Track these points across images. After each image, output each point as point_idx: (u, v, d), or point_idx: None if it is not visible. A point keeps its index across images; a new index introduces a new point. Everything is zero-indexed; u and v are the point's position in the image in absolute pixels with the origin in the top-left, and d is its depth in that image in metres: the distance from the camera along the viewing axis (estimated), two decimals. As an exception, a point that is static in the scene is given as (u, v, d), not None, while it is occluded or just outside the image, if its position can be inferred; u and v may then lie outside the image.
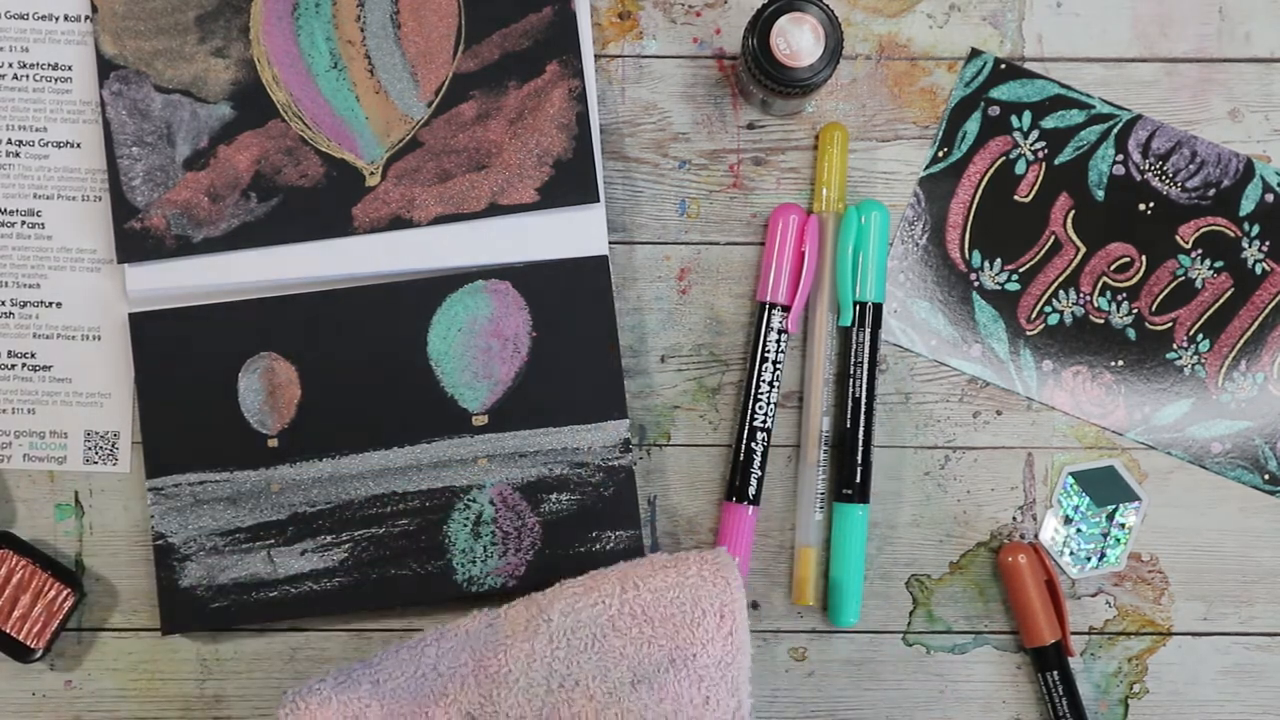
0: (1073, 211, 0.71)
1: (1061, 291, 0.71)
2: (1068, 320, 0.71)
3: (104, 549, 0.70)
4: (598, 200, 0.69)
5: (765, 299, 0.69)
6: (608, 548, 0.69)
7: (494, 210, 0.69)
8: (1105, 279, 0.71)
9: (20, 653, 0.68)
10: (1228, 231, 0.71)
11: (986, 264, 0.71)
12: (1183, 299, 0.71)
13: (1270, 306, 0.71)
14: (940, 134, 0.71)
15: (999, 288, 0.71)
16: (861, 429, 0.69)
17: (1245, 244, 0.71)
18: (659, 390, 0.71)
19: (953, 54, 0.71)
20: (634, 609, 0.64)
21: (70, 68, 0.70)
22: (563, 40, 0.69)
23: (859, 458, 0.69)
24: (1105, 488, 0.70)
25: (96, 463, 0.70)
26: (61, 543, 0.70)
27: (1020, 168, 0.71)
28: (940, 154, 0.71)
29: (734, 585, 0.64)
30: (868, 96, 0.71)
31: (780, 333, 0.69)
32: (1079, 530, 0.70)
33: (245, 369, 0.69)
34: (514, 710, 0.63)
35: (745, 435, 0.69)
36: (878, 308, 0.70)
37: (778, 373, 0.69)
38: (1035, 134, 0.71)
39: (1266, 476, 0.71)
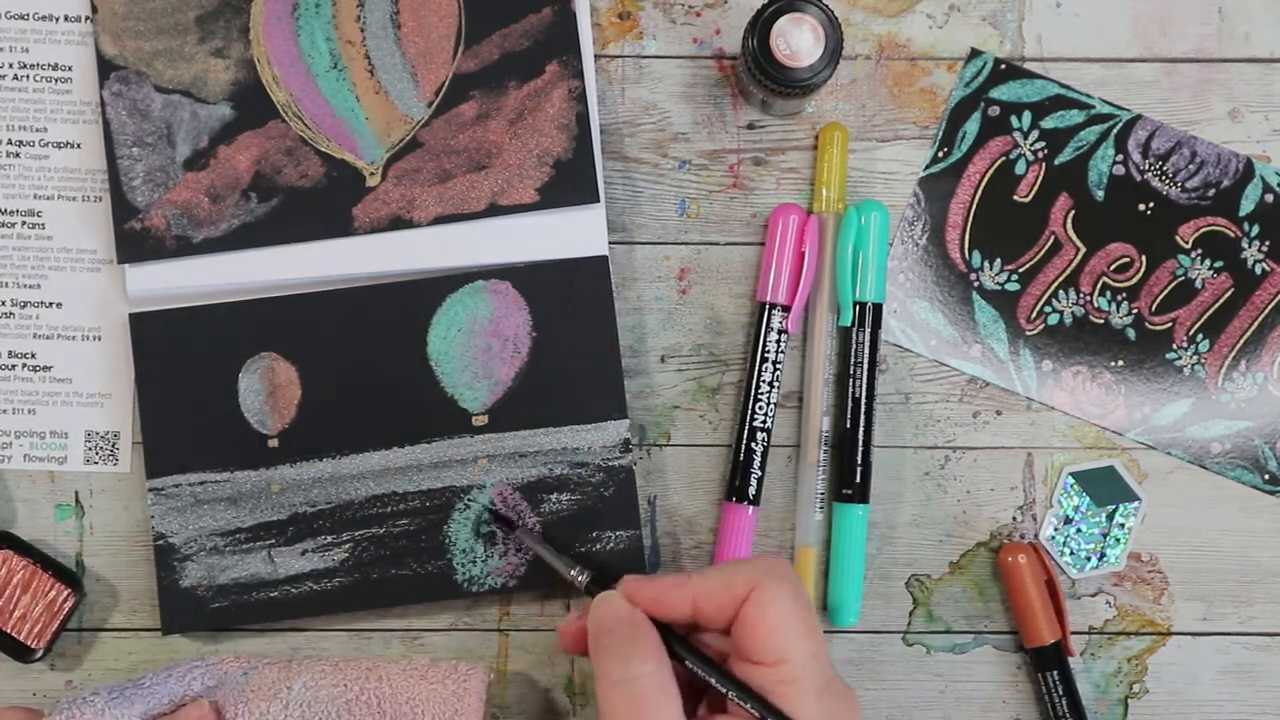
0: (1073, 211, 0.71)
1: (1061, 291, 0.71)
2: (1067, 320, 0.71)
3: (104, 549, 0.70)
4: (598, 200, 0.69)
5: (765, 299, 0.69)
6: (608, 548, 0.69)
7: (494, 210, 0.69)
8: (1105, 279, 0.71)
9: (20, 653, 0.68)
10: (1227, 231, 0.71)
11: (986, 264, 0.71)
12: (1182, 299, 0.71)
13: (1270, 306, 0.71)
14: (940, 134, 0.71)
15: (999, 288, 0.71)
16: (861, 429, 0.69)
17: (1245, 244, 0.71)
18: (659, 390, 0.71)
19: (952, 54, 0.71)
20: (371, 699, 0.66)
21: (70, 68, 0.70)
22: (563, 40, 0.69)
23: (859, 458, 0.69)
24: (1105, 488, 0.70)
25: (96, 463, 0.70)
26: (61, 543, 0.70)
27: (1020, 168, 0.71)
28: (940, 154, 0.71)
29: (471, 697, 0.65)
30: (867, 96, 0.71)
31: (780, 333, 0.69)
32: (1079, 530, 0.70)
33: (245, 369, 0.69)
34: None
35: (745, 435, 0.69)
36: (878, 308, 0.70)
37: (778, 373, 0.69)
38: (1035, 134, 0.71)
39: (1266, 476, 0.71)
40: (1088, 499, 0.70)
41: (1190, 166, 0.71)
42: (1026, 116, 0.71)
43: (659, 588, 0.57)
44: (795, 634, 0.55)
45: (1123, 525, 0.70)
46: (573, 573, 0.62)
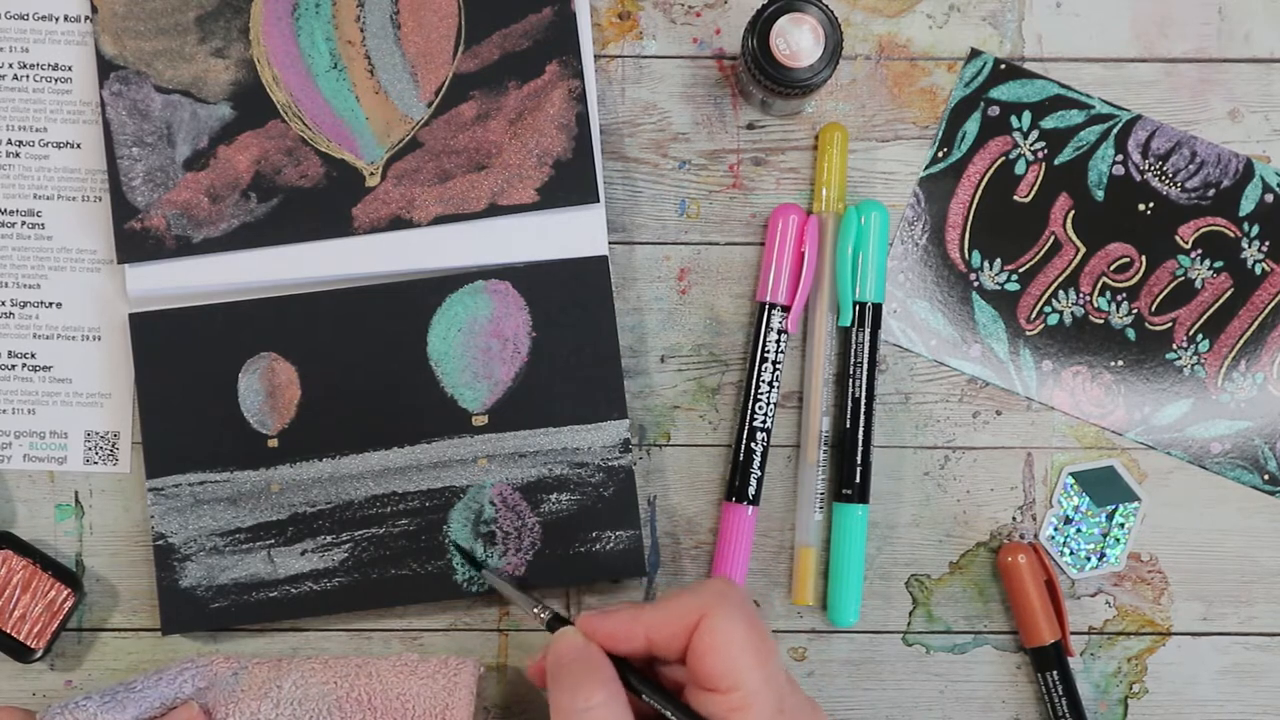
0: (1072, 211, 0.71)
1: (1061, 291, 0.71)
2: (1067, 320, 0.71)
3: (104, 549, 0.70)
4: (598, 200, 0.69)
5: (765, 299, 0.69)
6: (607, 548, 0.69)
7: (494, 210, 0.69)
8: (1105, 279, 0.71)
9: (20, 653, 0.68)
10: (1227, 231, 0.71)
11: (986, 264, 0.71)
12: (1182, 299, 0.71)
13: (1270, 306, 0.71)
14: (940, 134, 0.71)
15: (999, 288, 0.71)
16: (861, 429, 0.69)
17: (1245, 244, 0.71)
18: (659, 390, 0.71)
19: (952, 54, 0.71)
20: (361, 695, 0.66)
21: (70, 68, 0.71)
22: (563, 40, 0.69)
23: (859, 458, 0.69)
24: (1105, 488, 0.70)
25: (96, 463, 0.70)
26: (61, 543, 0.70)
27: (1020, 168, 0.71)
28: (940, 154, 0.71)
29: (461, 691, 0.65)
30: (867, 97, 0.71)
31: (780, 333, 0.69)
32: (1079, 530, 0.70)
33: (245, 369, 0.69)
34: None
35: (745, 435, 0.69)
36: (877, 308, 0.70)
37: (777, 373, 0.69)
38: (1035, 134, 0.71)
39: (1266, 476, 0.71)
40: (1088, 499, 0.70)
41: (1190, 166, 0.71)
42: (1026, 116, 0.71)
43: (614, 622, 0.58)
44: (745, 660, 0.55)
45: (1123, 525, 0.70)
46: (535, 610, 0.63)
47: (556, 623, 0.61)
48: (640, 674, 0.59)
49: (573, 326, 0.69)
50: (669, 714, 0.57)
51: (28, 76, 0.70)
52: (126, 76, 0.69)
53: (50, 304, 0.70)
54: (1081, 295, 0.71)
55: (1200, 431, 0.71)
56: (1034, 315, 0.71)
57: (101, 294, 0.70)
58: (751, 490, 0.69)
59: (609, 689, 0.56)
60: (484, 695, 0.70)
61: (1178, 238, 0.71)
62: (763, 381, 0.69)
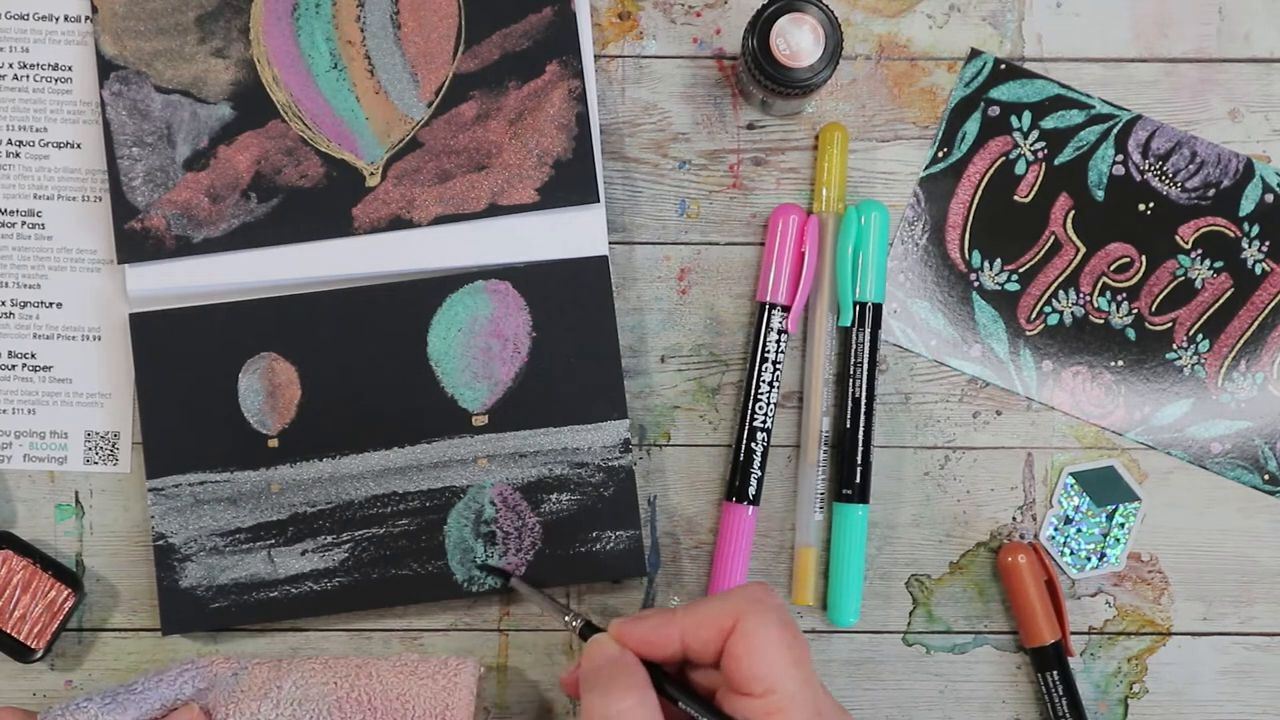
0: (1072, 211, 0.71)
1: (1061, 292, 0.71)
2: (1067, 320, 0.71)
3: (104, 549, 0.70)
4: (598, 200, 0.69)
5: (765, 299, 0.69)
6: (607, 547, 0.69)
7: (494, 210, 0.69)
8: (1105, 279, 0.71)
9: (20, 653, 0.68)
10: (1227, 232, 0.71)
11: (986, 264, 0.71)
12: (1182, 299, 0.71)
13: (1270, 306, 0.71)
14: (940, 134, 0.71)
15: (999, 288, 0.71)
16: (861, 429, 0.69)
17: (1245, 244, 0.71)
18: (659, 390, 0.71)
19: (952, 54, 0.71)
20: (362, 696, 0.66)
21: (70, 68, 0.71)
22: (563, 40, 0.69)
23: (859, 458, 0.69)
24: (1105, 488, 0.70)
25: (96, 463, 0.70)
26: (61, 543, 0.70)
27: (1020, 168, 0.71)
28: (940, 154, 0.71)
29: (461, 691, 0.66)
30: (867, 97, 0.71)
31: (780, 333, 0.69)
32: (1079, 530, 0.70)
33: (245, 369, 0.69)
34: None
35: (745, 435, 0.69)
36: (877, 308, 0.70)
37: (778, 373, 0.69)
38: (1035, 134, 0.71)
39: (1266, 476, 0.71)
40: (1088, 499, 0.70)
41: (1190, 166, 0.71)
42: (1026, 116, 0.71)
43: (647, 627, 0.58)
44: (781, 663, 0.55)
45: (1123, 525, 0.70)
46: (566, 618, 0.63)
47: (589, 630, 0.62)
48: (675, 680, 0.59)
49: (573, 326, 0.69)
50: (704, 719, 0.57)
51: (28, 76, 0.70)
52: (126, 76, 0.69)
53: (50, 304, 0.70)
54: (1082, 295, 0.71)
55: (1200, 431, 0.71)
56: (1034, 315, 0.71)
57: (101, 294, 0.70)
58: (751, 490, 0.69)
59: (640, 693, 0.56)
60: (484, 695, 0.70)
61: (1178, 238, 0.71)
62: (763, 381, 0.69)
